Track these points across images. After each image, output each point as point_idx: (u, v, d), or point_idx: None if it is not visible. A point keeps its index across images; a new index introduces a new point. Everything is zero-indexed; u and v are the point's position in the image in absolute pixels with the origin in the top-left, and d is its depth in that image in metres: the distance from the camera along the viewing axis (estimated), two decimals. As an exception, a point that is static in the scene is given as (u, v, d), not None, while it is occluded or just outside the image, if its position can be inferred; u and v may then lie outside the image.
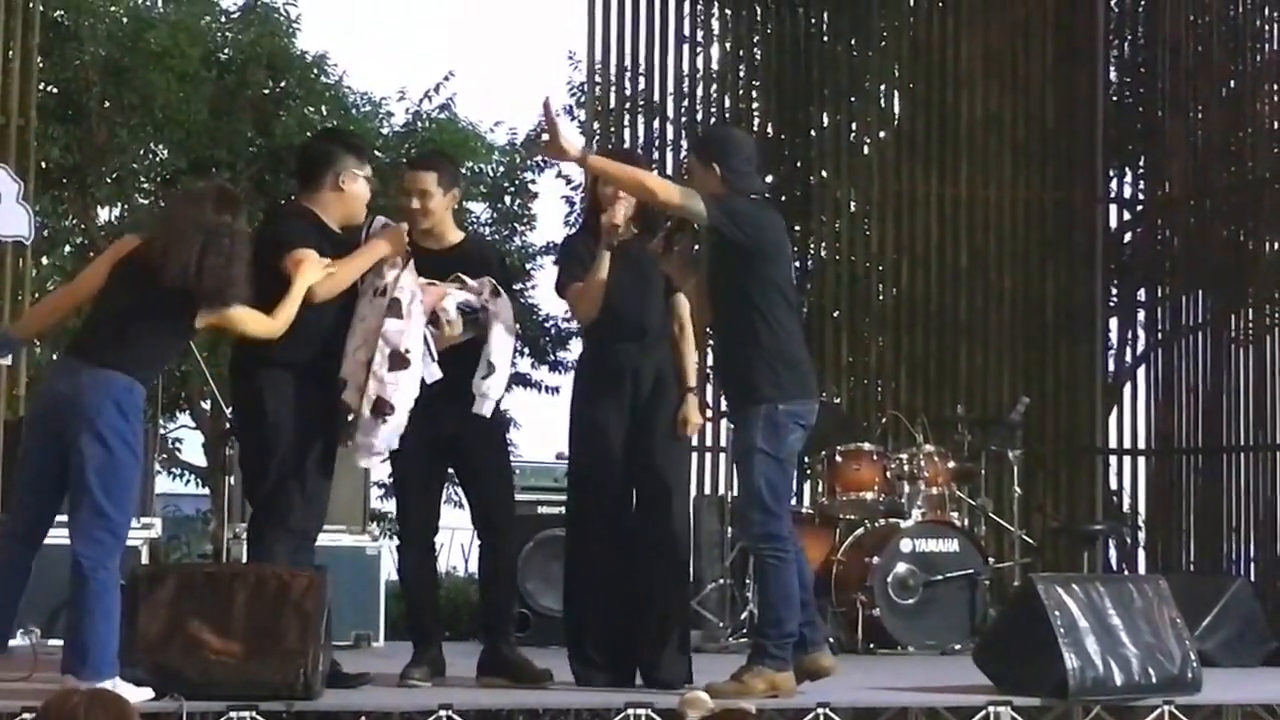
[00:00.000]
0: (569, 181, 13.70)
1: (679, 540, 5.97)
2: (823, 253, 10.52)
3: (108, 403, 5.07)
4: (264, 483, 5.56)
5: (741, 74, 10.59)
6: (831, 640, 8.00)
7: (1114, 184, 11.11)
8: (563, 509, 8.13)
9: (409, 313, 5.55)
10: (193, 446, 12.65)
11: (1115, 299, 11.18)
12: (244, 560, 6.38)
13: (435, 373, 5.66)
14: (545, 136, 5.71)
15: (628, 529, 5.95)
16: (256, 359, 5.53)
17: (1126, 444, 10.63)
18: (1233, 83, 10.18)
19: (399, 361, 5.50)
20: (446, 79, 12.92)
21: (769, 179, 10.53)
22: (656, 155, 10.19)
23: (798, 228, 10.58)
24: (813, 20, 10.58)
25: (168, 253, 5.17)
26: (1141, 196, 11.16)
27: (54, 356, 12.35)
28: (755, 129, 10.59)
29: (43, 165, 10.45)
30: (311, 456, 5.56)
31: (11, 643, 7.13)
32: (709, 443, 9.74)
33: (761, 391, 5.62)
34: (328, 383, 5.58)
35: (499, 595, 6.13)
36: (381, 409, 5.49)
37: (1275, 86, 9.91)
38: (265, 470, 5.54)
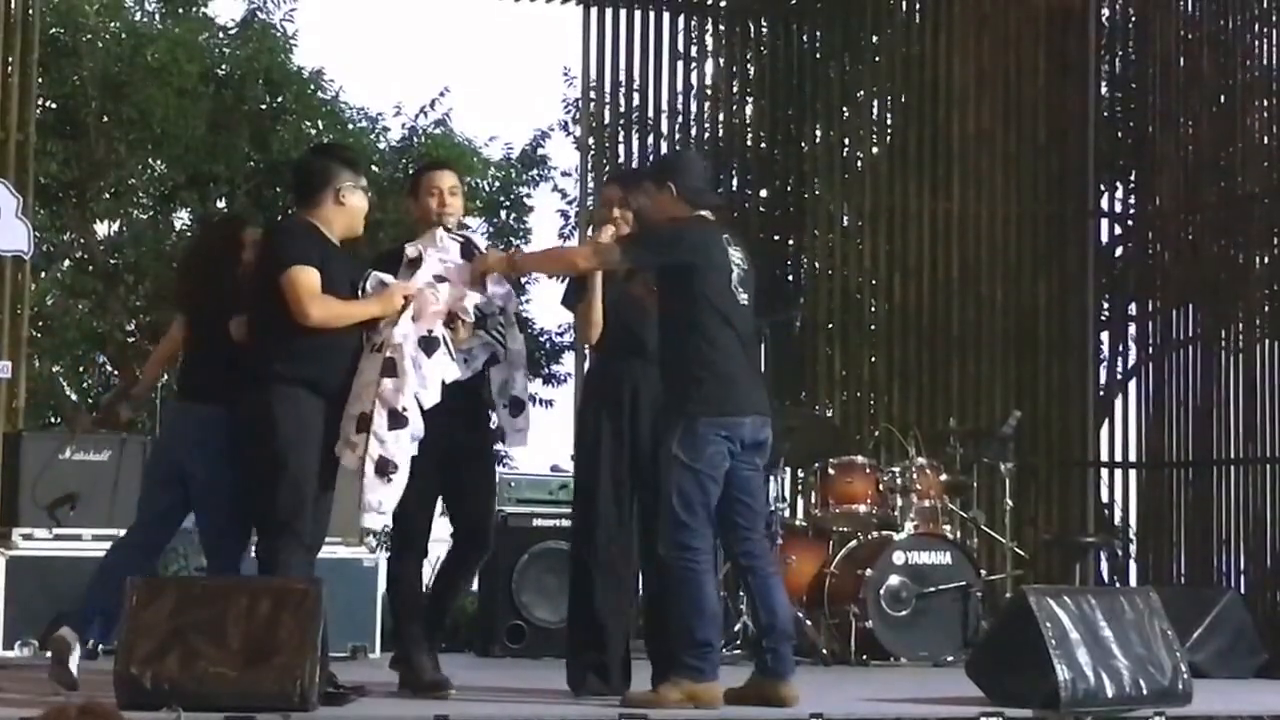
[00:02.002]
0: (564, 195, 13.78)
1: None
2: (815, 267, 10.56)
3: (189, 430, 5.90)
4: (276, 498, 5.55)
5: (735, 90, 10.66)
6: (825, 651, 8.08)
7: (1105, 198, 11.15)
8: (557, 521, 8.22)
9: (403, 370, 5.61)
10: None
11: (1106, 313, 11.23)
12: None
13: (455, 371, 5.74)
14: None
15: (629, 540, 6.01)
16: (267, 375, 5.56)
17: (1118, 457, 10.67)
18: (1223, 98, 10.23)
19: (397, 420, 5.57)
20: (442, 94, 12.98)
21: (763, 193, 10.64)
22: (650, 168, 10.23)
23: (791, 242, 10.65)
24: (805, 36, 10.64)
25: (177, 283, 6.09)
26: (1132, 211, 11.22)
27: (55, 369, 12.44)
28: (748, 144, 10.66)
29: (41, 180, 10.47)
30: (319, 471, 5.61)
31: (9, 654, 7.23)
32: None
33: (683, 405, 5.67)
34: (335, 398, 5.63)
35: (450, 606, 6.22)
36: (385, 469, 5.57)
37: (1265, 102, 9.97)
38: (277, 485, 5.55)
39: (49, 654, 5.77)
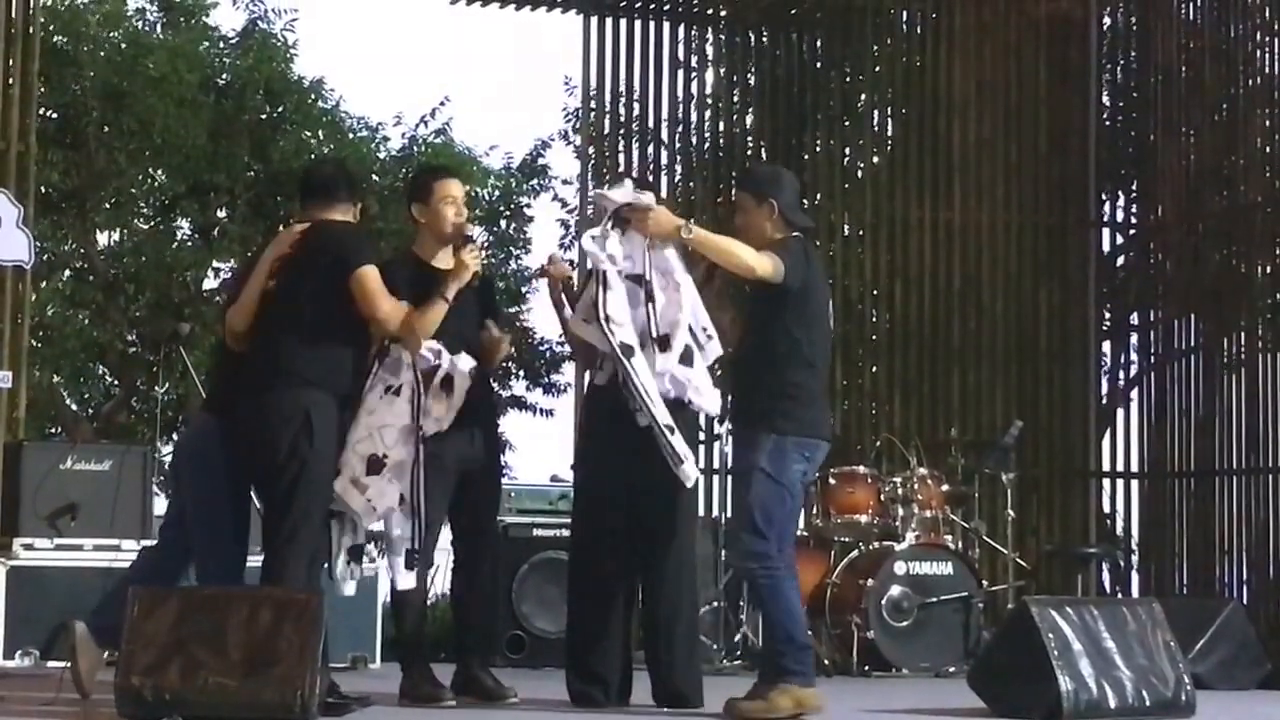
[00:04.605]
0: (564, 205, 13.78)
1: (685, 560, 6.02)
2: (817, 276, 10.54)
3: (189, 438, 6.22)
4: (294, 503, 5.50)
5: (735, 99, 10.66)
6: (826, 662, 8.05)
7: (1106, 208, 11.15)
8: (557, 531, 8.20)
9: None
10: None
11: (1108, 322, 11.22)
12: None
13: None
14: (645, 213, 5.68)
15: (629, 550, 6.00)
16: (301, 379, 5.49)
17: (1120, 467, 10.66)
18: (1225, 107, 10.23)
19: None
20: (442, 104, 12.99)
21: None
22: (651, 180, 10.23)
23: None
24: (806, 46, 10.64)
25: None
26: (1134, 220, 11.21)
27: (55, 379, 12.45)
28: (749, 154, 10.66)
29: (42, 190, 10.48)
30: (331, 480, 5.60)
31: (10, 664, 7.23)
32: (701, 465, 9.74)
33: (774, 422, 5.66)
34: (346, 409, 5.62)
35: (484, 618, 6.21)
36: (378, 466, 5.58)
37: (1267, 111, 9.96)
38: (295, 490, 5.49)
39: (64, 653, 5.80)
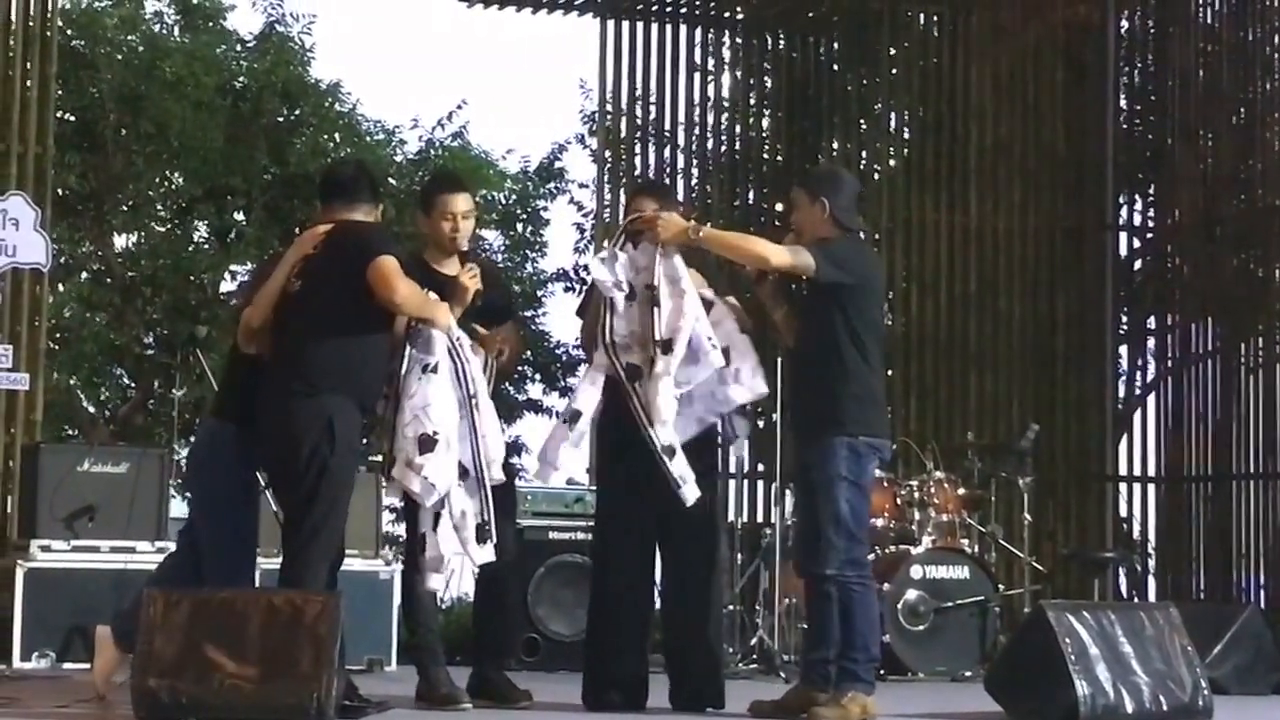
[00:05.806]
0: (580, 208, 13.79)
1: (712, 563, 6.02)
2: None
3: (198, 446, 6.23)
4: (315, 505, 5.48)
5: (752, 102, 10.65)
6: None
7: (1124, 211, 11.14)
8: (573, 535, 8.20)
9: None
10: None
11: (1125, 326, 11.20)
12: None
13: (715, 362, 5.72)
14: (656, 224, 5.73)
15: (651, 554, 5.99)
16: (324, 385, 5.47)
17: (1136, 471, 10.64)
18: (1243, 111, 10.22)
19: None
20: (459, 107, 13.00)
21: (779, 207, 10.61)
22: (668, 182, 10.23)
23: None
24: (822, 49, 10.64)
25: None
26: (1151, 224, 11.19)
27: (72, 382, 12.48)
28: (765, 156, 10.65)
29: (60, 193, 10.51)
30: (351, 483, 5.62)
31: (27, 665, 7.24)
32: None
33: (846, 425, 5.67)
34: (368, 411, 5.63)
35: (501, 621, 6.21)
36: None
37: (1285, 115, 9.96)
38: (317, 494, 5.47)
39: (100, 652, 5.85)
